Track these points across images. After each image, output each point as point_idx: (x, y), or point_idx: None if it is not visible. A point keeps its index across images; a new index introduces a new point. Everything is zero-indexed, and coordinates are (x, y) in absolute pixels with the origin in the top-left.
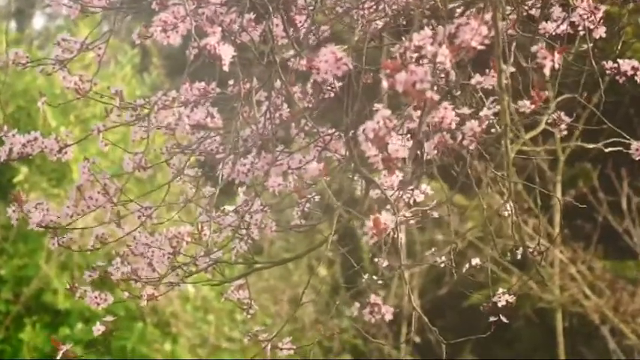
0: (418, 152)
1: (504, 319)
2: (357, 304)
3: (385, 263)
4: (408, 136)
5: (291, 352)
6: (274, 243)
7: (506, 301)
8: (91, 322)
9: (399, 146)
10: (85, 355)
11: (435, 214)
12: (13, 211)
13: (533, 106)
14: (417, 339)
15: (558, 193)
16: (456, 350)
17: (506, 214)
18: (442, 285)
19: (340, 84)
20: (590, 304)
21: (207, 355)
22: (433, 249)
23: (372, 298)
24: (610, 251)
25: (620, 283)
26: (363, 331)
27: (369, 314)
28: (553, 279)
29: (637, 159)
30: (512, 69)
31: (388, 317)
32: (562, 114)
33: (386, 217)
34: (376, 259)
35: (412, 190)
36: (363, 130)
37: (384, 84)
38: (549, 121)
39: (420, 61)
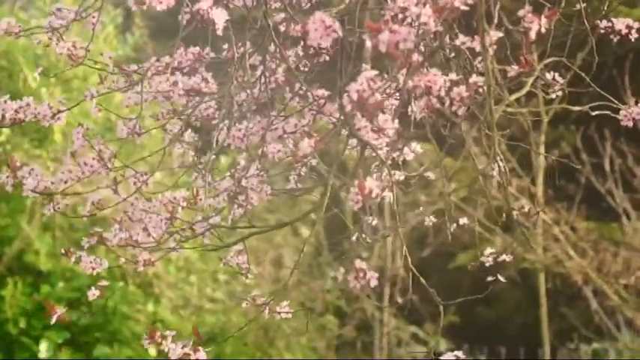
0: (407, 114)
1: (501, 278)
2: (342, 269)
3: (380, 224)
4: (397, 96)
5: (289, 315)
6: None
7: (498, 260)
8: (72, 282)
9: (388, 117)
10: (68, 314)
11: (427, 175)
12: (7, 177)
13: (521, 70)
14: (400, 300)
15: (542, 154)
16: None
17: (494, 174)
18: (425, 246)
19: (332, 47)
20: (573, 264)
21: (189, 315)
22: (420, 209)
23: (357, 263)
24: (593, 212)
25: (603, 243)
26: (346, 292)
27: (354, 280)
28: (536, 240)
29: (625, 124)
30: (500, 34)
31: (373, 283)
32: (556, 75)
33: (371, 183)
34: (367, 220)
35: (401, 148)
36: (347, 93)
37: (368, 44)
38: (537, 82)
39: (407, 22)
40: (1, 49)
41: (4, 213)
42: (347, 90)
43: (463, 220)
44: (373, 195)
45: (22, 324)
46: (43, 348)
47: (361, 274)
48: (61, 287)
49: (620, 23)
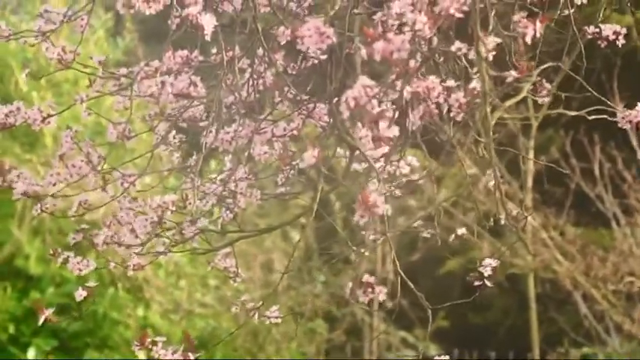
0: (401, 121)
1: (488, 283)
2: (350, 284)
3: (370, 236)
4: (393, 106)
5: (279, 320)
6: (247, 209)
7: (491, 268)
8: (62, 287)
9: (388, 123)
10: (58, 320)
11: (419, 182)
12: None
13: (519, 76)
14: (389, 304)
15: (531, 159)
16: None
17: (488, 183)
18: (415, 251)
19: (323, 52)
20: (562, 269)
21: (179, 320)
22: (413, 217)
23: (366, 277)
24: (582, 217)
25: (591, 248)
26: (335, 296)
27: (362, 294)
28: (525, 245)
29: (624, 127)
30: (498, 40)
31: (382, 297)
32: (543, 81)
33: (375, 197)
34: (362, 232)
35: (397, 161)
36: (345, 99)
37: (363, 52)
38: (529, 88)
39: (401, 29)
40: None
41: None
42: (338, 95)
43: (462, 231)
44: (379, 211)
45: (11, 330)
46: (31, 354)
47: (369, 289)
48: (50, 293)
49: (607, 29)
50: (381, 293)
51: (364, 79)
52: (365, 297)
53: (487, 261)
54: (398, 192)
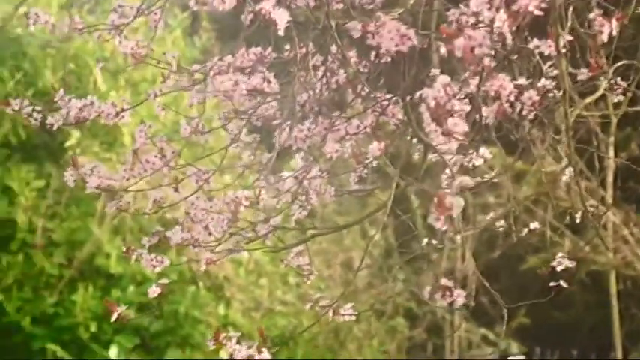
0: (476, 118)
1: (564, 284)
2: (428, 288)
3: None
4: (466, 100)
5: (353, 317)
6: (327, 207)
7: (566, 265)
8: (143, 286)
9: (458, 120)
10: (138, 317)
11: (494, 180)
12: (71, 175)
13: (590, 73)
14: (472, 302)
15: (611, 156)
16: (510, 313)
17: (563, 178)
18: (495, 248)
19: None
20: None
21: (260, 318)
22: (491, 213)
23: (444, 281)
24: None
25: None
26: (415, 294)
27: (440, 298)
28: (606, 241)
29: None
30: (569, 37)
31: (460, 301)
32: (618, 79)
33: (451, 200)
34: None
35: (471, 154)
36: (423, 98)
37: (443, 50)
38: (606, 86)
39: (475, 27)
40: (71, 52)
41: (75, 216)
42: (412, 92)
43: (534, 225)
44: (453, 214)
45: (93, 328)
46: (113, 352)
47: (448, 292)
48: (131, 291)
49: None
50: (460, 297)
51: (444, 78)
52: (443, 300)
53: (559, 255)
54: (472, 184)
